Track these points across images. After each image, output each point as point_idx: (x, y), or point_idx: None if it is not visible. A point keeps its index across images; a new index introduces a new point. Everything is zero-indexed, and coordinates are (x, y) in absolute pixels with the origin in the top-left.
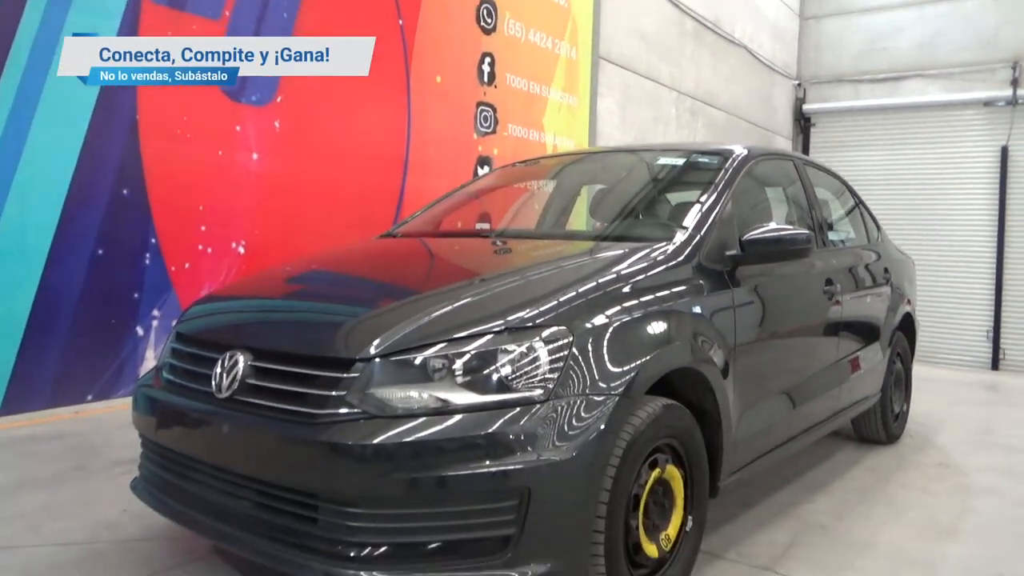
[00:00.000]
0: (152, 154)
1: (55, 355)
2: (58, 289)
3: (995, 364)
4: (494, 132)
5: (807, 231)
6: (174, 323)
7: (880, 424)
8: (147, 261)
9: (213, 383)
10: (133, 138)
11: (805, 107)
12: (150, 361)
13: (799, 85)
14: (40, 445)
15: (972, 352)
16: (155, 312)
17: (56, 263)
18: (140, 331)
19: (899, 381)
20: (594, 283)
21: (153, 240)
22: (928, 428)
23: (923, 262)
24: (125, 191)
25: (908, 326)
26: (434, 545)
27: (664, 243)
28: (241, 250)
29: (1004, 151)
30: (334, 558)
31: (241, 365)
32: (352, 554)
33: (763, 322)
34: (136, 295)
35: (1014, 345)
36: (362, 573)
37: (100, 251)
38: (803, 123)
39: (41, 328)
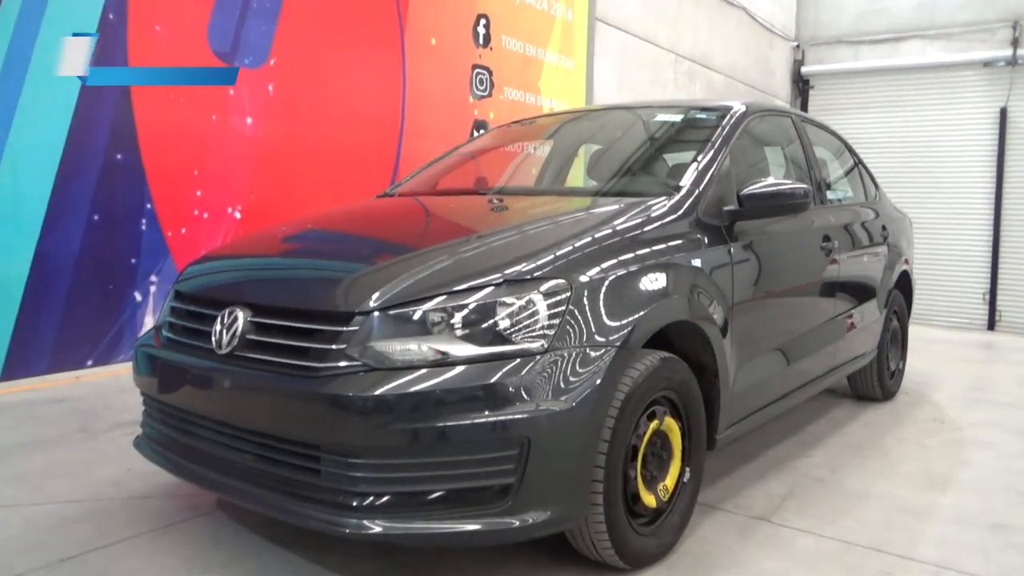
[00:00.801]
0: (145, 118)
1: (54, 321)
2: (55, 254)
3: (991, 325)
4: (490, 95)
5: (805, 185)
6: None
7: (876, 381)
8: (143, 226)
9: (213, 340)
10: (126, 102)
11: (803, 69)
12: (149, 326)
13: (797, 47)
14: (41, 409)
15: (968, 313)
16: (153, 278)
17: (52, 228)
18: (138, 297)
19: (895, 339)
20: (592, 237)
21: (149, 205)
22: (923, 385)
23: (921, 224)
24: (119, 156)
25: (905, 284)
26: (435, 494)
27: (662, 198)
28: (237, 215)
29: (1003, 112)
30: (337, 508)
31: (241, 321)
32: (355, 504)
33: (760, 277)
34: (133, 261)
35: (1010, 306)
36: (365, 522)
37: (96, 216)
38: (801, 86)
39: (39, 294)
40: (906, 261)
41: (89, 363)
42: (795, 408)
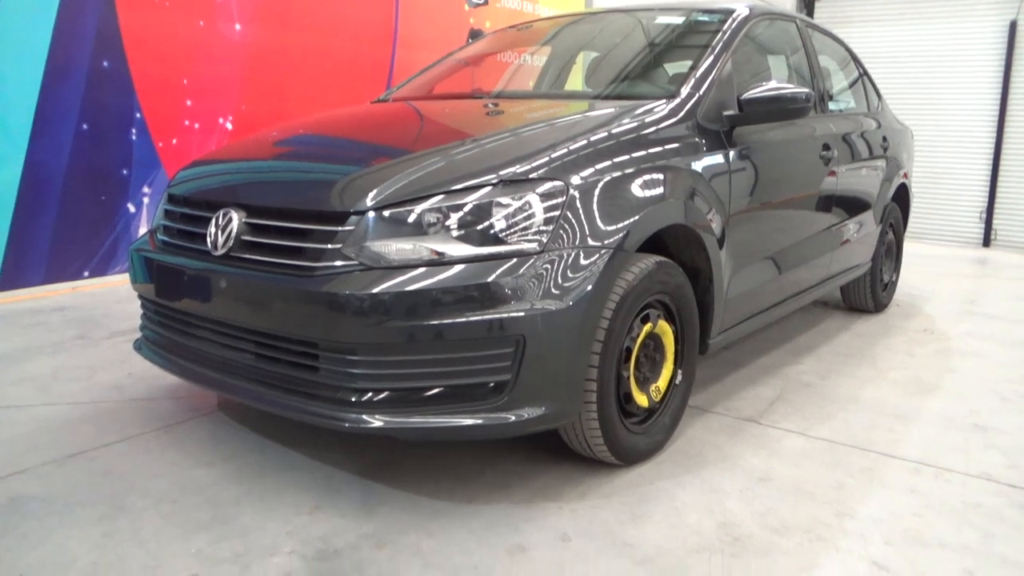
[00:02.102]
0: (130, 24)
1: (48, 231)
2: (45, 165)
3: (986, 242)
4: (486, 3)
5: (807, 90)
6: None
7: (869, 293)
8: (133, 136)
9: (208, 241)
10: (109, 6)
11: None
12: None
13: None
14: (41, 317)
15: (964, 231)
16: (145, 189)
17: (40, 137)
18: (131, 208)
19: (890, 251)
20: (590, 139)
21: (138, 115)
22: (915, 298)
23: (921, 140)
24: (105, 63)
25: (902, 197)
26: (433, 391)
27: (662, 101)
28: (228, 126)
29: (1012, 26)
30: (336, 403)
31: (235, 222)
32: (353, 399)
33: (758, 183)
34: (125, 172)
35: (1006, 224)
36: (364, 416)
37: (84, 125)
38: None
39: (31, 204)
40: (905, 174)
41: (86, 274)
42: (787, 318)
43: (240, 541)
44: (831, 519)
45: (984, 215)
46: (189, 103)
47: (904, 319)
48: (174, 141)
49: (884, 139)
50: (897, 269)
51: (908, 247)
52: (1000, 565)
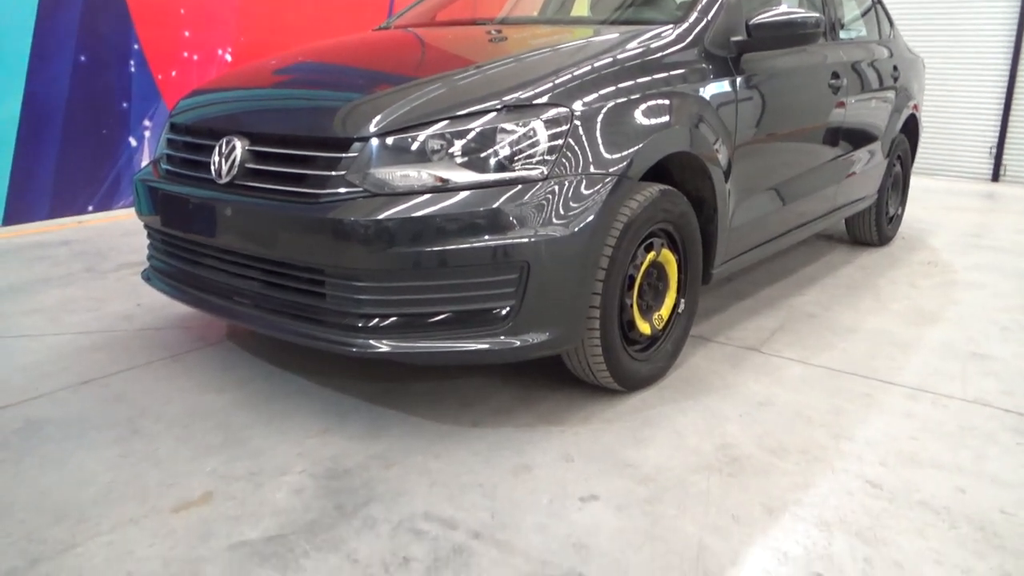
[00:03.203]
0: None
1: (51, 165)
2: (44, 96)
3: (995, 177)
4: None
5: (817, 15)
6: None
7: (873, 226)
8: (132, 68)
9: (212, 170)
10: None
11: None
12: None
13: None
14: (48, 251)
15: (973, 166)
16: (146, 122)
17: (38, 68)
18: (133, 141)
19: (896, 184)
20: (595, 64)
21: (136, 46)
22: (921, 232)
23: (933, 71)
24: None
25: (911, 129)
26: (439, 316)
27: (669, 26)
28: (228, 57)
29: None
30: (344, 329)
31: (239, 151)
32: (360, 325)
33: (765, 112)
34: (125, 104)
35: (1016, 159)
36: (371, 341)
37: (82, 57)
38: None
39: (33, 137)
40: (915, 106)
41: (90, 208)
42: (791, 251)
43: (252, 461)
44: (828, 442)
45: (994, 149)
46: (187, 34)
47: (908, 252)
48: (173, 73)
49: (895, 68)
50: (903, 202)
51: (915, 182)
52: (991, 483)
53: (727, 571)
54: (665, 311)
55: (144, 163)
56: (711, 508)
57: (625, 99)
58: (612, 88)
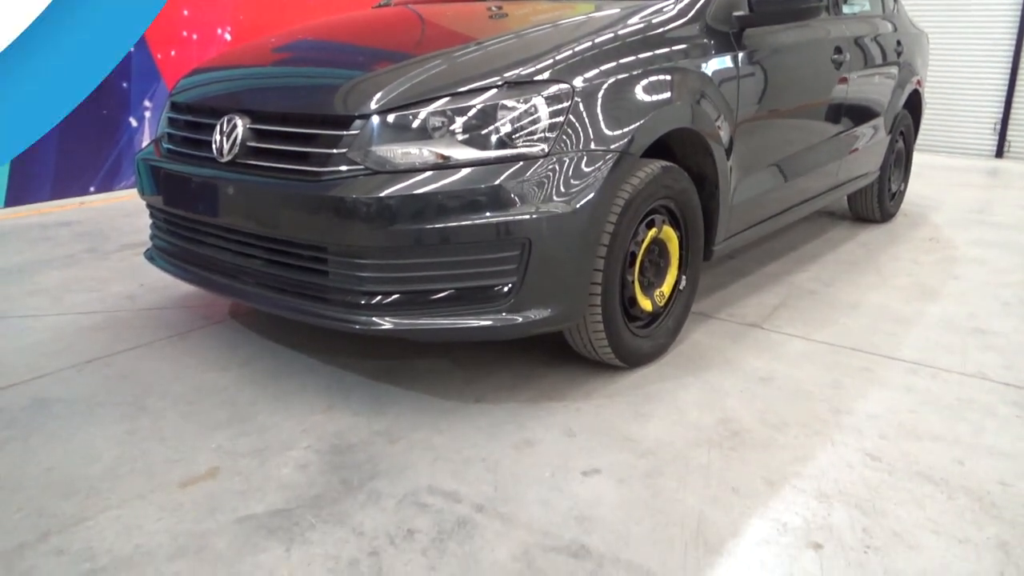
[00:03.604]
0: None
1: (52, 146)
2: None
3: (999, 153)
4: None
5: None
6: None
7: (876, 203)
8: (131, 47)
9: (214, 148)
10: None
11: None
12: None
13: None
14: (50, 232)
15: (977, 142)
16: (146, 103)
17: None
18: (133, 122)
19: (899, 161)
20: (596, 40)
21: None
22: (923, 208)
23: (937, 46)
24: None
25: (915, 104)
26: (441, 293)
27: (670, 1)
28: (227, 36)
29: None
30: (346, 306)
31: (240, 129)
32: (363, 302)
33: (767, 87)
34: (125, 84)
35: (1020, 136)
36: (374, 318)
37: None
38: None
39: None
40: (918, 81)
41: (92, 190)
42: (792, 228)
43: (258, 437)
44: (828, 415)
45: (998, 126)
46: (186, 12)
47: (911, 228)
48: (172, 53)
49: (898, 43)
50: (906, 179)
51: (918, 158)
52: (989, 455)
53: (727, 542)
54: (667, 288)
55: (143, 144)
56: (711, 481)
57: (626, 75)
58: (613, 64)
